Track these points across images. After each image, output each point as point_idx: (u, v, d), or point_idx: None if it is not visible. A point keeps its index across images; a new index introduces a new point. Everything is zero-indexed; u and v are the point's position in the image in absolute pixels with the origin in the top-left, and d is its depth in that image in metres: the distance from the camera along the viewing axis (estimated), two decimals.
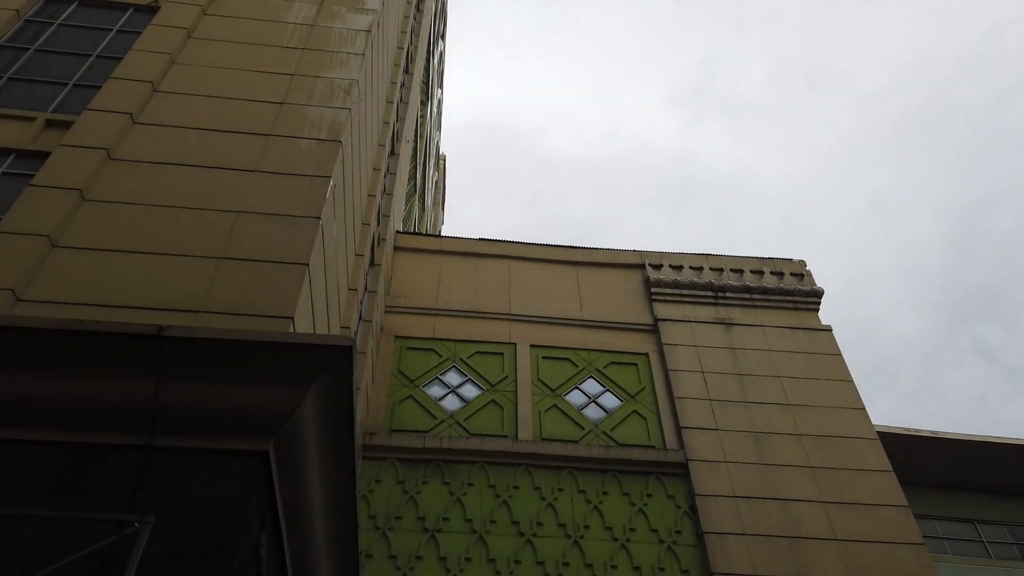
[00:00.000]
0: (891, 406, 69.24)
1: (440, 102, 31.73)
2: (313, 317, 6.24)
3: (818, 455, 10.92)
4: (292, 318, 5.41)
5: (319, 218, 6.32)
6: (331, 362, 4.63)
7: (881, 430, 13.21)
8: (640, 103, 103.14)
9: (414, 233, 14.47)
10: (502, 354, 12.22)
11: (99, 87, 7.57)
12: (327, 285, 6.81)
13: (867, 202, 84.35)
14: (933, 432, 15.73)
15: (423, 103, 20.71)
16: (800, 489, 10.49)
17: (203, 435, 4.50)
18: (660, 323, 12.81)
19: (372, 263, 10.61)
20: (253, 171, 6.69)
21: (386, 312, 12.32)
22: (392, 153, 12.50)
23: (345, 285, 8.04)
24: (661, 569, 9.67)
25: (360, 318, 9.52)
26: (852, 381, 11.96)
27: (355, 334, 8.89)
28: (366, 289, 9.94)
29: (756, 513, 10.16)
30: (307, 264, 5.87)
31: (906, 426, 15.45)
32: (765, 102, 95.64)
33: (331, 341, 4.64)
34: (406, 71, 14.83)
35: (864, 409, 11.60)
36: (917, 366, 72.68)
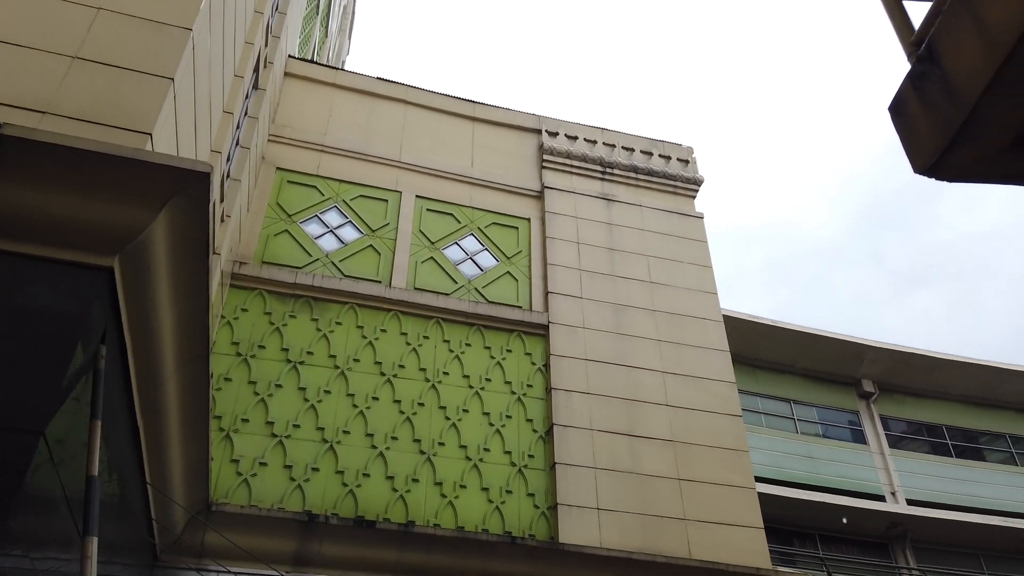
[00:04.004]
0: (787, 296, 75.03)
1: None
2: (177, 136, 5.96)
3: (667, 330, 11.86)
4: (151, 134, 5.15)
5: (191, 29, 5.87)
6: (186, 186, 4.51)
7: (727, 314, 14.44)
8: None
9: (309, 61, 13.65)
10: (386, 201, 12.16)
11: None
12: (196, 104, 6.45)
13: (810, 100, 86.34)
14: (772, 321, 17.36)
15: None
16: (645, 359, 11.45)
17: (42, 243, 4.36)
18: (546, 190, 13.06)
19: (256, 86, 10.04)
20: None
21: (269, 141, 11.84)
22: None
23: (220, 107, 7.63)
24: (508, 416, 10.49)
25: (236, 144, 9.13)
26: (711, 267, 12.85)
27: (228, 160, 8.57)
28: (245, 114, 9.46)
29: (602, 376, 11.07)
30: (172, 78, 5.52)
31: (751, 313, 16.95)
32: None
33: (187, 164, 4.50)
34: None
35: (716, 294, 12.57)
36: (817, 262, 78.43)
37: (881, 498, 18.04)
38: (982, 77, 1.83)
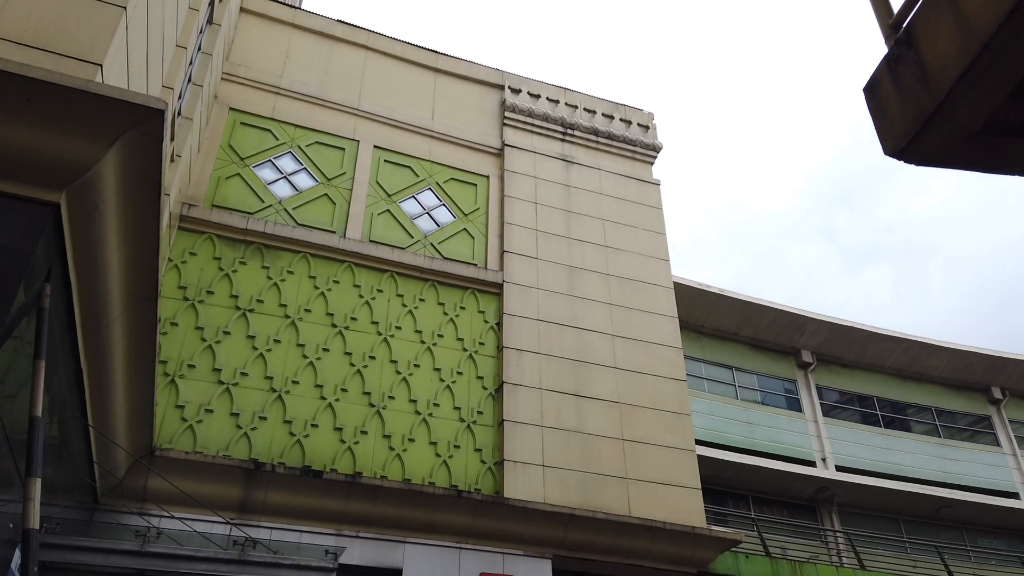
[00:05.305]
0: (741, 267, 76.17)
1: None
2: (128, 68, 5.68)
3: (619, 294, 12.02)
4: (101, 65, 4.89)
5: None
6: (139, 122, 4.32)
7: (677, 281, 14.68)
8: None
9: None
10: (343, 149, 11.90)
11: None
12: (149, 36, 6.15)
13: (774, 75, 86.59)
14: (720, 290, 17.74)
15: None
16: (596, 321, 11.61)
17: None
18: (507, 148, 12.95)
19: (210, 21, 9.61)
20: None
21: (222, 79, 11.40)
22: None
23: (172, 40, 7.29)
24: (459, 373, 10.54)
25: (189, 80, 8.76)
26: (664, 234, 13.01)
27: (180, 97, 8.23)
28: (199, 49, 9.06)
29: (553, 336, 11.19)
30: (125, 7, 5.24)
31: (699, 281, 17.27)
32: None
33: (141, 100, 4.30)
34: None
35: (668, 261, 12.76)
36: (772, 235, 79.71)
37: (812, 463, 18.87)
38: (956, 66, 1.88)
